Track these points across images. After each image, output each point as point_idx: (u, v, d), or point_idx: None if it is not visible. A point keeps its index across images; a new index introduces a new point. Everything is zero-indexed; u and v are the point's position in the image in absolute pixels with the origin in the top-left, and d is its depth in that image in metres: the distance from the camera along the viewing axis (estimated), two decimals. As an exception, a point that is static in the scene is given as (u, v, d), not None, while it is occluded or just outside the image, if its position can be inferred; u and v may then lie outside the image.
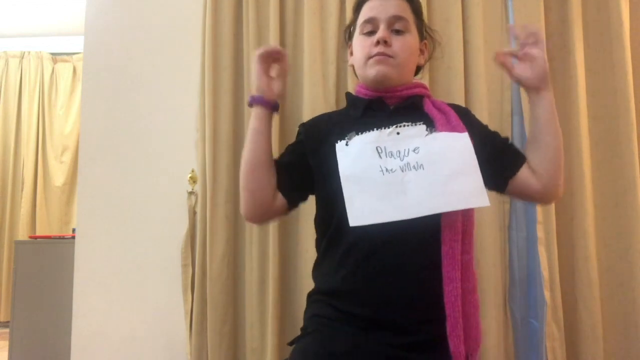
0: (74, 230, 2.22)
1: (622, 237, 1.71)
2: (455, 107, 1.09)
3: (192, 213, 1.81)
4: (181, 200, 1.82)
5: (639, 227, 1.67)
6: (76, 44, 3.77)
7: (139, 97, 1.91)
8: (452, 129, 0.99)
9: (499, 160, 1.05)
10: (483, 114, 1.72)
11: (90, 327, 1.85)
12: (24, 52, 4.38)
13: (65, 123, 4.37)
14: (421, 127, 0.99)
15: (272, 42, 1.76)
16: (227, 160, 1.78)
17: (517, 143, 1.80)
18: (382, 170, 0.93)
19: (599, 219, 1.74)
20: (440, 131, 0.98)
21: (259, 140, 1.05)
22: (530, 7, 1.76)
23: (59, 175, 4.32)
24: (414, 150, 0.95)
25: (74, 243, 1.89)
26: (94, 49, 1.95)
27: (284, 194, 1.05)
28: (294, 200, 1.07)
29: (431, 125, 1.00)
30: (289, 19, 1.81)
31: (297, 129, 1.14)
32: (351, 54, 1.14)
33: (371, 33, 1.05)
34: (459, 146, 0.97)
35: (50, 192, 4.30)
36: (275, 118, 1.73)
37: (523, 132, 1.76)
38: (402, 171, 0.93)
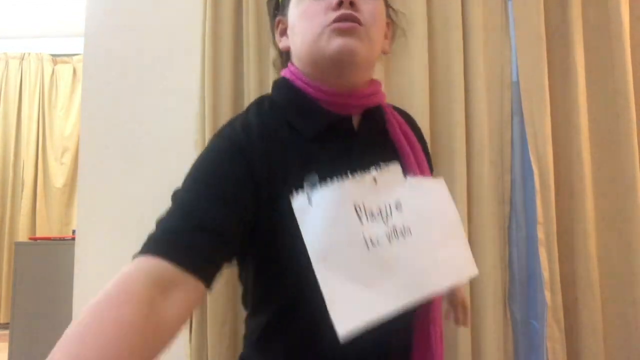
0: (74, 231, 2.22)
1: (622, 237, 1.70)
2: (409, 122, 0.86)
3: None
4: (181, 201, 1.82)
5: (639, 227, 1.67)
6: (76, 45, 3.78)
7: (139, 98, 1.91)
8: (420, 167, 0.78)
9: None
10: (483, 114, 1.73)
11: (90, 328, 1.85)
12: (24, 54, 4.39)
13: (66, 124, 4.38)
14: (397, 169, 0.74)
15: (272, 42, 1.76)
16: (227, 161, 1.78)
17: (517, 143, 1.80)
18: (367, 244, 0.66)
19: (599, 219, 1.74)
20: (411, 171, 0.76)
21: None
22: (530, 7, 1.76)
23: (59, 176, 4.33)
24: (396, 208, 0.71)
25: (74, 244, 1.89)
26: (94, 50, 1.94)
27: (198, 275, 0.61)
28: (212, 278, 0.64)
29: (402, 163, 0.76)
30: (289, 20, 1.81)
31: (220, 142, 0.73)
32: (282, 33, 0.82)
33: None
34: (438, 199, 0.76)
35: (51, 194, 4.30)
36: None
37: (523, 132, 1.76)
38: (389, 241, 0.68)
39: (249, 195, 0.68)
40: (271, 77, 1.74)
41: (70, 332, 0.52)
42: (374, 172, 0.71)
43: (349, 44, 0.70)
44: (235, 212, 0.66)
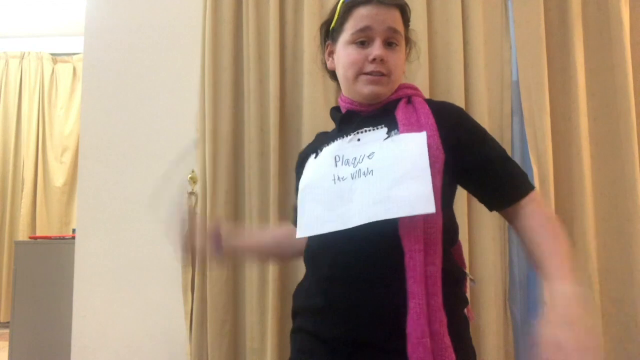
0: (74, 230, 2.22)
1: (622, 237, 1.71)
2: (443, 107, 1.01)
3: (192, 213, 1.81)
4: (181, 201, 1.82)
5: (639, 227, 1.67)
6: (76, 45, 3.78)
7: (139, 98, 1.91)
8: (419, 129, 0.92)
9: (491, 186, 0.99)
10: (483, 114, 1.73)
11: (90, 327, 1.85)
12: (24, 53, 4.39)
13: (65, 123, 4.38)
14: (382, 131, 0.95)
15: (272, 42, 1.76)
16: (227, 161, 1.78)
17: (517, 143, 1.80)
18: (334, 179, 0.92)
19: (599, 219, 1.74)
20: (402, 133, 0.93)
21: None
22: (530, 7, 1.76)
23: (59, 175, 4.32)
24: (368, 156, 0.92)
25: (74, 243, 1.89)
26: (94, 49, 1.95)
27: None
28: None
29: (395, 128, 0.94)
30: (289, 19, 1.81)
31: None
32: (329, 54, 1.07)
33: (363, 43, 0.98)
34: (412, 148, 0.90)
35: (50, 193, 4.30)
36: (276, 116, 1.74)
37: (523, 132, 1.76)
38: (352, 179, 0.90)
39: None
40: (271, 76, 1.74)
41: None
42: (357, 134, 0.97)
43: (376, 91, 0.98)
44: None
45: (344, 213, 0.88)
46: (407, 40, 1.06)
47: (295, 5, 1.81)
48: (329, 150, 0.98)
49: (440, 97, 1.75)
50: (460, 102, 1.72)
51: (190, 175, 1.83)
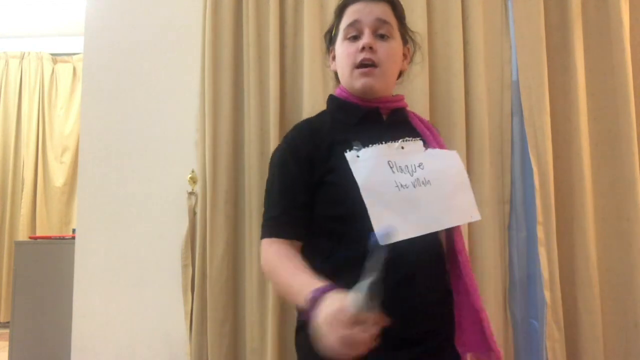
0: (74, 230, 2.22)
1: (622, 237, 1.70)
2: (435, 128, 1.16)
3: (192, 213, 1.81)
4: (181, 201, 1.82)
5: (639, 227, 1.67)
6: (76, 45, 3.78)
7: (139, 98, 1.91)
8: (440, 146, 1.07)
9: None
10: (483, 114, 1.73)
11: (90, 327, 1.85)
12: (24, 53, 4.39)
13: (65, 123, 4.38)
14: (419, 143, 1.04)
15: (272, 42, 1.76)
16: (227, 161, 1.78)
17: (517, 143, 1.80)
18: (397, 186, 0.95)
19: (599, 219, 1.74)
20: (432, 147, 1.05)
21: None
22: (530, 7, 1.76)
23: (59, 175, 4.32)
24: (419, 166, 0.99)
25: (74, 243, 1.89)
26: (94, 49, 1.95)
27: (299, 239, 1.01)
28: (303, 233, 1.02)
29: (424, 141, 1.05)
30: (289, 19, 1.80)
31: (285, 145, 1.06)
32: (333, 58, 1.13)
33: (355, 38, 1.04)
34: (453, 163, 1.05)
35: (51, 193, 4.30)
36: (276, 116, 1.74)
37: (523, 132, 1.76)
38: (414, 187, 0.96)
39: (309, 167, 1.01)
40: (271, 76, 1.74)
41: (272, 265, 0.98)
42: (401, 142, 1.01)
43: (368, 83, 1.04)
44: (306, 182, 1.00)
45: (417, 220, 0.94)
46: (405, 38, 1.12)
47: (295, 5, 1.81)
48: (376, 153, 0.97)
49: (440, 97, 1.75)
50: (460, 103, 1.72)
51: (190, 175, 1.83)
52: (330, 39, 1.14)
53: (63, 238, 2.69)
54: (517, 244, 1.78)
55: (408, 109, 1.15)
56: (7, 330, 2.65)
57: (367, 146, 0.98)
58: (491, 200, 1.71)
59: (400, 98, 1.13)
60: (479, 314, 1.02)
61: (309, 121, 1.13)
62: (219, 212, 1.75)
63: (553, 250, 1.67)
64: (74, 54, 4.34)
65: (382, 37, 1.04)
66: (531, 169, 1.71)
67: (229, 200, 1.77)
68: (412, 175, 0.97)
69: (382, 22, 1.04)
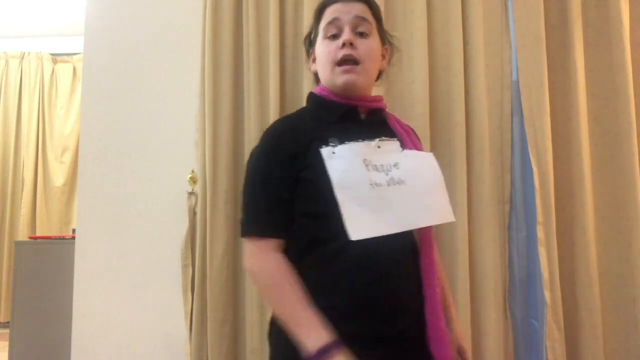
0: (74, 230, 2.22)
1: (622, 237, 1.71)
2: (414, 132, 1.18)
3: (192, 213, 1.81)
4: (181, 201, 1.82)
5: (639, 227, 1.67)
6: (76, 45, 3.78)
7: (139, 98, 1.91)
8: (416, 147, 1.08)
9: None
10: (483, 114, 1.73)
11: (90, 327, 1.85)
12: (24, 53, 4.39)
13: (65, 123, 4.38)
14: (396, 143, 1.06)
15: (272, 42, 1.76)
16: (227, 161, 1.77)
17: (517, 143, 1.80)
18: (372, 184, 0.96)
19: (599, 219, 1.74)
20: (408, 148, 1.06)
21: None
22: (530, 7, 1.76)
23: (59, 175, 4.32)
24: (394, 166, 1.00)
25: (74, 243, 1.89)
26: (94, 49, 1.94)
27: (284, 237, 1.01)
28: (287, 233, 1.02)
29: (400, 142, 1.06)
30: (289, 19, 1.80)
31: (264, 143, 1.06)
32: (313, 60, 1.15)
33: (335, 36, 1.06)
34: (429, 164, 1.07)
35: (51, 193, 4.30)
36: (276, 116, 1.73)
37: (523, 132, 1.76)
38: (388, 186, 0.97)
39: (291, 165, 1.01)
40: (271, 76, 1.74)
41: (273, 282, 0.97)
42: (378, 141, 1.02)
43: (350, 79, 1.04)
44: (286, 179, 1.00)
45: (389, 218, 0.95)
46: (383, 39, 1.14)
47: (295, 5, 1.81)
48: (352, 151, 0.98)
49: (440, 97, 1.75)
50: (460, 102, 1.72)
51: (190, 175, 1.83)
52: (309, 42, 1.17)
53: (63, 238, 2.69)
54: (517, 244, 1.78)
55: (387, 110, 1.16)
56: (7, 330, 2.65)
57: (344, 143, 0.99)
58: (491, 200, 1.71)
59: (379, 99, 1.14)
60: (437, 322, 1.00)
61: (287, 119, 1.15)
62: (219, 212, 1.75)
63: (553, 250, 1.67)
64: (74, 54, 4.34)
65: (362, 34, 1.06)
66: (531, 169, 1.71)
67: (229, 200, 1.77)
68: (387, 175, 0.98)
69: (361, 19, 1.06)
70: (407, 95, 1.74)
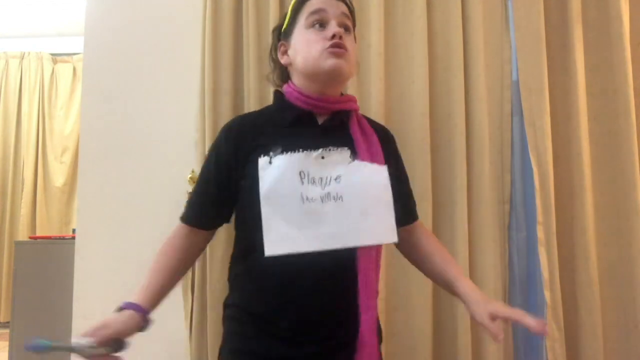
0: (74, 230, 2.22)
1: (622, 237, 1.71)
2: (381, 132, 1.12)
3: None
4: (181, 201, 1.82)
5: (639, 227, 1.67)
6: (76, 45, 3.78)
7: (139, 98, 1.91)
8: (372, 157, 1.01)
9: (401, 204, 1.07)
10: (483, 114, 1.73)
11: (90, 327, 1.85)
12: (24, 53, 4.39)
13: (65, 123, 4.38)
14: (345, 153, 1.00)
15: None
16: (227, 161, 1.77)
17: (517, 143, 1.80)
18: (302, 199, 0.93)
19: (599, 219, 1.74)
20: (362, 159, 1.00)
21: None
22: (530, 7, 1.76)
23: (59, 175, 4.33)
24: (335, 179, 0.96)
25: (74, 243, 1.89)
26: (94, 49, 1.94)
27: (207, 229, 1.10)
28: (216, 227, 1.12)
29: (354, 151, 1.00)
30: (289, 19, 1.80)
31: (216, 140, 1.08)
32: (284, 53, 1.10)
33: (322, 25, 1.02)
34: (377, 180, 1.00)
35: (51, 193, 4.31)
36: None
37: (523, 132, 1.76)
38: (322, 201, 0.94)
39: (228, 165, 1.03)
40: (271, 76, 1.74)
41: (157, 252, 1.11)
42: (322, 151, 0.98)
43: (340, 63, 1.00)
44: (225, 177, 1.03)
45: (315, 235, 0.92)
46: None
47: (295, 5, 1.81)
48: (290, 162, 0.95)
49: (440, 97, 1.75)
50: (460, 102, 1.72)
51: (190, 175, 1.82)
52: (280, 33, 1.11)
53: (63, 238, 2.69)
54: (517, 244, 1.78)
55: (359, 112, 1.11)
56: (7, 330, 2.65)
57: (283, 153, 0.96)
58: (491, 200, 1.71)
59: (349, 99, 1.09)
60: (366, 348, 0.95)
61: (244, 119, 1.14)
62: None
63: (553, 250, 1.67)
64: (74, 54, 4.35)
65: (347, 29, 1.05)
66: (531, 169, 1.71)
67: (229, 200, 1.76)
68: (323, 189, 0.94)
69: (346, 16, 1.05)
70: (407, 95, 1.74)
